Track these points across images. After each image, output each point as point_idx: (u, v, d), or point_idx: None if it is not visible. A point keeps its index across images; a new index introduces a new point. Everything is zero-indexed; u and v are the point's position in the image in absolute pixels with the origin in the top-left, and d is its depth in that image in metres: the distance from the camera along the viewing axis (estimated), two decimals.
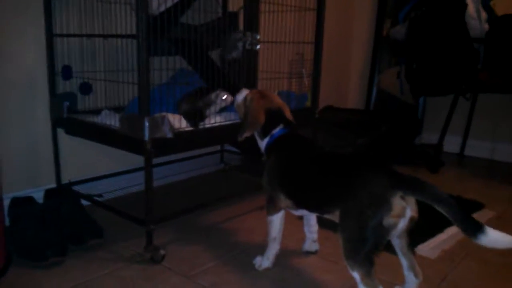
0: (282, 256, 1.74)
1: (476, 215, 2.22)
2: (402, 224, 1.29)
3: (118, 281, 1.57)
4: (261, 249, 1.72)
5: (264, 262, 1.69)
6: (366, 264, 1.29)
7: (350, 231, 1.31)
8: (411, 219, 1.30)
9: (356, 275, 1.30)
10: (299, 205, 1.56)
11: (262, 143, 1.69)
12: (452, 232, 2.02)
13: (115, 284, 1.55)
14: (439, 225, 2.05)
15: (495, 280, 1.68)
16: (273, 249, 1.69)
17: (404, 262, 1.44)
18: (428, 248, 1.87)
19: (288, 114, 1.71)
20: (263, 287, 1.57)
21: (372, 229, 1.26)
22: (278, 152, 1.63)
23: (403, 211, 1.27)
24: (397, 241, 1.40)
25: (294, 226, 1.96)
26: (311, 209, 1.54)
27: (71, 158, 2.16)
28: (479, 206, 2.36)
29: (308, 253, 1.82)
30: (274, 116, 1.66)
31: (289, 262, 1.75)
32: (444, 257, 1.82)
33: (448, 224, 2.06)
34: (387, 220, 1.25)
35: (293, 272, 1.68)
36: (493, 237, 1.15)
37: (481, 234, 1.14)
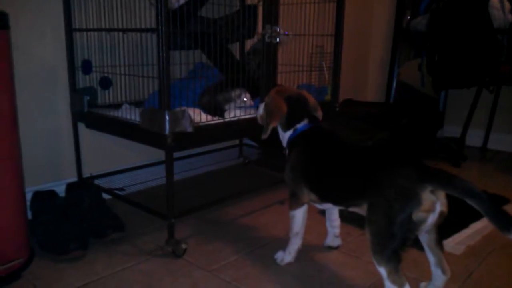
0: (304, 251, 1.72)
1: None
2: (432, 219, 1.26)
3: (140, 275, 1.57)
4: (282, 243, 1.71)
5: (286, 257, 1.67)
6: (394, 259, 1.26)
7: (377, 225, 1.28)
8: (441, 214, 1.27)
9: (382, 270, 1.28)
10: (324, 199, 1.54)
11: (285, 136, 1.67)
12: (477, 227, 1.98)
13: (137, 277, 1.55)
14: (464, 220, 2.02)
15: None
16: (295, 244, 1.67)
17: (431, 258, 1.41)
18: (453, 243, 1.83)
19: (311, 101, 1.67)
20: (286, 282, 1.55)
21: (401, 224, 1.23)
22: (302, 146, 1.60)
23: (433, 206, 1.24)
24: (425, 236, 1.37)
25: (315, 221, 1.94)
26: (336, 202, 1.52)
27: (92, 152, 2.17)
28: (504, 201, 2.31)
29: (330, 248, 1.80)
30: (296, 106, 1.64)
31: (311, 257, 1.73)
32: (470, 253, 1.78)
33: (473, 219, 2.04)
34: (416, 215, 1.23)
35: (315, 267, 1.66)
36: None
37: None
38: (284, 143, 1.68)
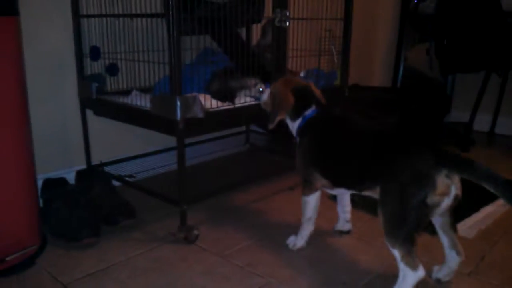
0: (316, 236, 1.72)
1: None
2: (446, 202, 1.26)
3: (153, 261, 1.57)
4: (294, 228, 1.71)
5: (298, 241, 1.67)
6: (407, 242, 1.26)
7: (391, 208, 1.28)
8: (456, 197, 1.26)
9: (396, 252, 1.28)
10: (336, 184, 1.54)
11: (294, 125, 1.66)
12: (488, 211, 1.98)
13: (150, 264, 1.55)
14: (475, 204, 2.01)
15: None
16: (307, 229, 1.67)
17: (445, 240, 1.41)
18: (465, 227, 1.83)
19: (317, 93, 1.67)
20: (299, 266, 1.56)
21: (415, 207, 1.23)
22: (312, 133, 1.59)
23: (448, 189, 1.24)
24: (439, 219, 1.37)
25: (326, 206, 1.93)
26: (349, 187, 1.51)
27: (101, 139, 2.17)
28: None
29: (341, 232, 1.80)
30: (303, 96, 1.63)
31: (323, 242, 1.73)
32: (482, 237, 1.78)
33: (484, 203, 2.04)
34: (431, 199, 1.22)
35: (327, 252, 1.66)
36: None
37: None
38: (294, 132, 1.68)
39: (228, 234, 1.78)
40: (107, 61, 2.01)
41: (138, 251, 1.64)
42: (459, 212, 1.90)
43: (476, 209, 1.99)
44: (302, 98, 1.63)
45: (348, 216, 1.80)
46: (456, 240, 1.40)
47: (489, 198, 2.10)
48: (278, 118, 1.64)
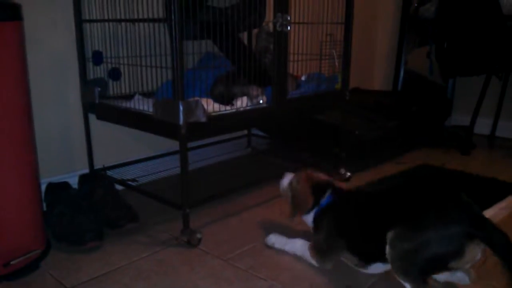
0: None
1: None
2: (470, 265, 1.26)
3: (156, 265, 1.58)
4: (296, 232, 1.72)
5: (276, 245, 1.69)
6: (419, 280, 1.25)
7: (406, 255, 1.25)
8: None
9: (408, 286, 1.27)
10: (370, 259, 1.46)
11: (309, 217, 1.64)
12: (488, 214, 1.95)
13: (154, 267, 1.56)
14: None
15: None
16: (291, 248, 1.65)
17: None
18: None
19: (337, 185, 1.65)
20: (302, 269, 1.56)
21: (434, 264, 1.24)
22: (332, 215, 1.55)
23: (475, 258, 1.23)
24: None
25: None
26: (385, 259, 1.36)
27: (103, 143, 2.18)
28: None
29: None
30: (321, 192, 1.61)
31: None
32: None
33: (485, 207, 2.04)
34: (455, 264, 1.23)
35: None
36: None
37: None
38: (309, 222, 1.65)
39: (230, 237, 1.79)
40: (109, 66, 2.02)
41: (141, 255, 1.65)
42: None
43: None
44: (320, 193, 1.61)
45: None
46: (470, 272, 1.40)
47: (490, 201, 2.10)
48: (297, 215, 1.65)
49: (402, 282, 1.28)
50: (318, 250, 1.56)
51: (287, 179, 1.73)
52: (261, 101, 1.93)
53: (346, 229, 1.50)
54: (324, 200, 1.60)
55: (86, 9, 1.98)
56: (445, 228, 1.21)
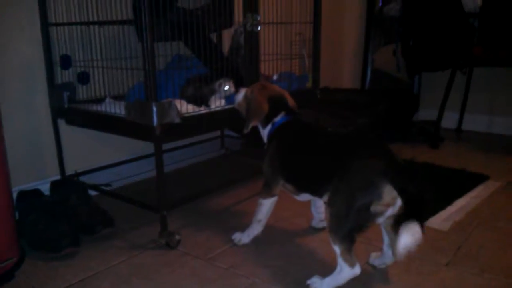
0: (296, 235, 1.75)
1: (482, 187, 2.26)
2: (390, 212, 1.29)
3: (136, 268, 1.56)
4: (273, 229, 1.73)
5: (244, 238, 1.72)
6: (347, 240, 1.32)
7: (337, 208, 1.33)
8: (401, 208, 1.28)
9: (336, 248, 1.34)
10: (300, 189, 1.57)
11: (265, 132, 1.70)
12: (461, 203, 2.04)
13: (133, 271, 1.54)
14: (447, 197, 2.08)
15: (511, 246, 1.69)
16: (256, 229, 1.71)
17: (386, 238, 1.48)
18: (440, 220, 1.88)
19: (290, 101, 1.70)
20: (282, 265, 1.57)
21: (358, 212, 1.28)
22: (279, 139, 1.63)
23: (393, 201, 1.27)
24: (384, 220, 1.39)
25: (305, 206, 1.95)
26: (312, 191, 1.53)
27: (74, 148, 2.14)
28: (484, 178, 2.37)
29: (316, 229, 1.83)
30: (276, 105, 1.67)
31: (303, 240, 1.75)
32: (457, 228, 1.83)
33: (456, 196, 2.10)
34: (375, 207, 1.27)
35: (307, 249, 1.69)
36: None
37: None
38: (265, 138, 1.71)
39: (209, 237, 1.78)
40: (78, 70, 1.99)
41: (120, 259, 1.62)
42: (433, 205, 1.98)
43: (449, 202, 2.05)
44: (275, 106, 1.67)
45: (322, 216, 1.82)
46: (395, 241, 1.33)
47: (461, 191, 2.16)
48: (251, 124, 1.67)
49: (332, 244, 1.34)
50: (264, 185, 1.65)
51: (241, 94, 1.75)
52: (226, 88, 1.92)
53: (286, 157, 1.59)
54: (278, 119, 1.65)
55: (53, 12, 1.94)
56: (363, 172, 1.30)
